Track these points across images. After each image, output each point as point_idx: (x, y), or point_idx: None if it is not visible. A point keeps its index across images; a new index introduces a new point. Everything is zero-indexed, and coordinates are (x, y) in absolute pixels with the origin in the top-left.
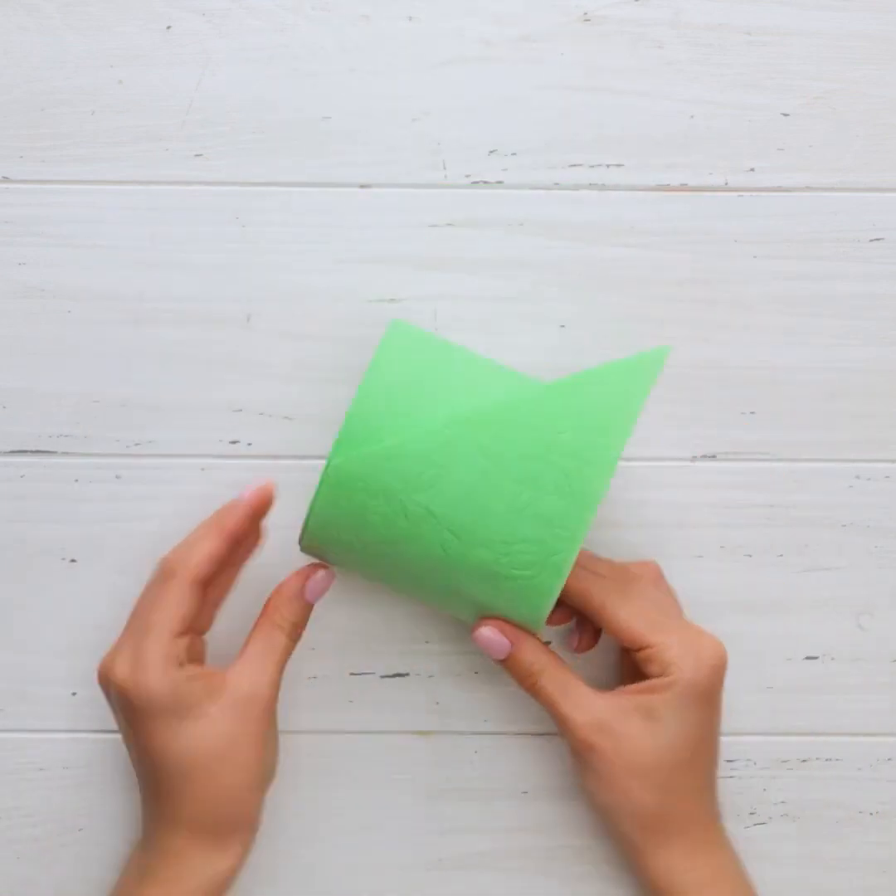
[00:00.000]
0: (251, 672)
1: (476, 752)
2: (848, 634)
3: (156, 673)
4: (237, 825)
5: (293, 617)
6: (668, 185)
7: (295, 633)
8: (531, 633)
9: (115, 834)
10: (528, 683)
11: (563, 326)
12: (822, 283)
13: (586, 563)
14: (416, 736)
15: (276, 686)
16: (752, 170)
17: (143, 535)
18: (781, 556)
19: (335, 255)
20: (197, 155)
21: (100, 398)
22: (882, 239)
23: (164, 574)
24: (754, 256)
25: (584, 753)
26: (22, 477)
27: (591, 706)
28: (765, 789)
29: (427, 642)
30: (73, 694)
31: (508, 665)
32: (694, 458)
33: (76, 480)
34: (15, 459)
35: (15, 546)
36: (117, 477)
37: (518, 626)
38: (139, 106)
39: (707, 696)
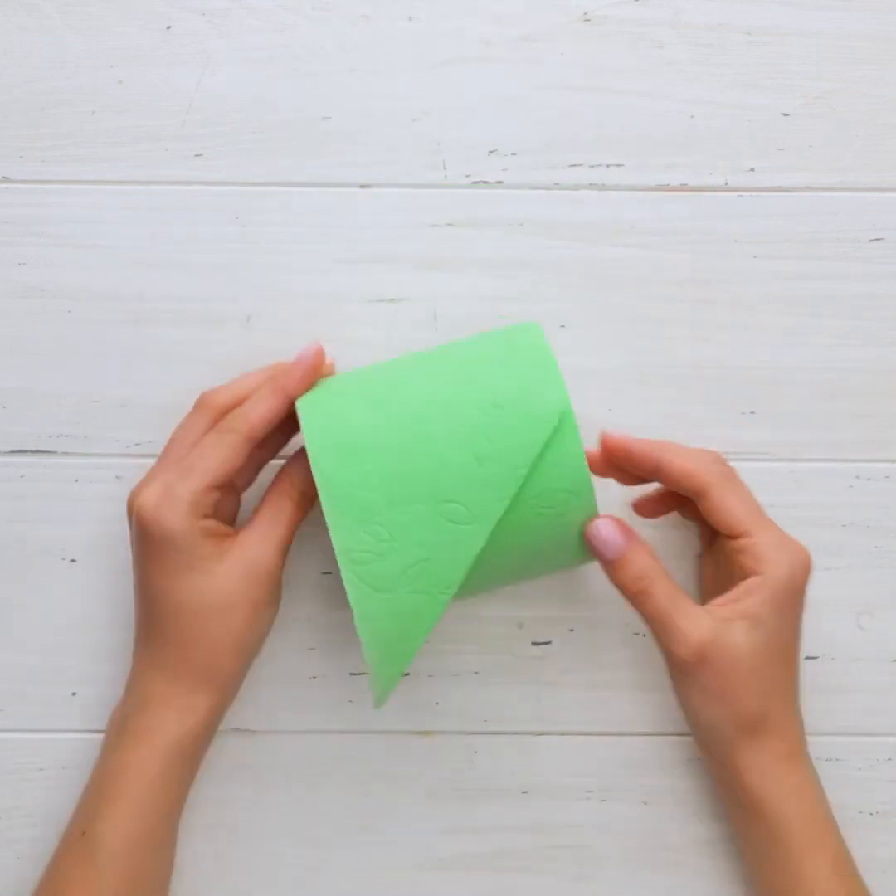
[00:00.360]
0: (257, 538)
1: (476, 752)
2: (848, 634)
3: (179, 515)
4: (213, 682)
5: (302, 485)
6: (668, 185)
7: (304, 501)
8: (639, 539)
9: None
10: (636, 588)
11: (563, 326)
12: (822, 283)
13: (681, 449)
14: (416, 736)
15: (280, 554)
16: (752, 170)
17: None
18: None
19: (335, 255)
20: (197, 155)
21: (100, 398)
22: (882, 239)
23: (221, 429)
24: (754, 256)
25: (693, 668)
26: (22, 477)
27: (702, 620)
28: None
29: (427, 642)
30: (73, 694)
31: (617, 568)
32: None
33: (76, 480)
34: (15, 459)
35: (15, 546)
36: (117, 477)
37: (630, 528)
38: (139, 106)
39: (799, 596)
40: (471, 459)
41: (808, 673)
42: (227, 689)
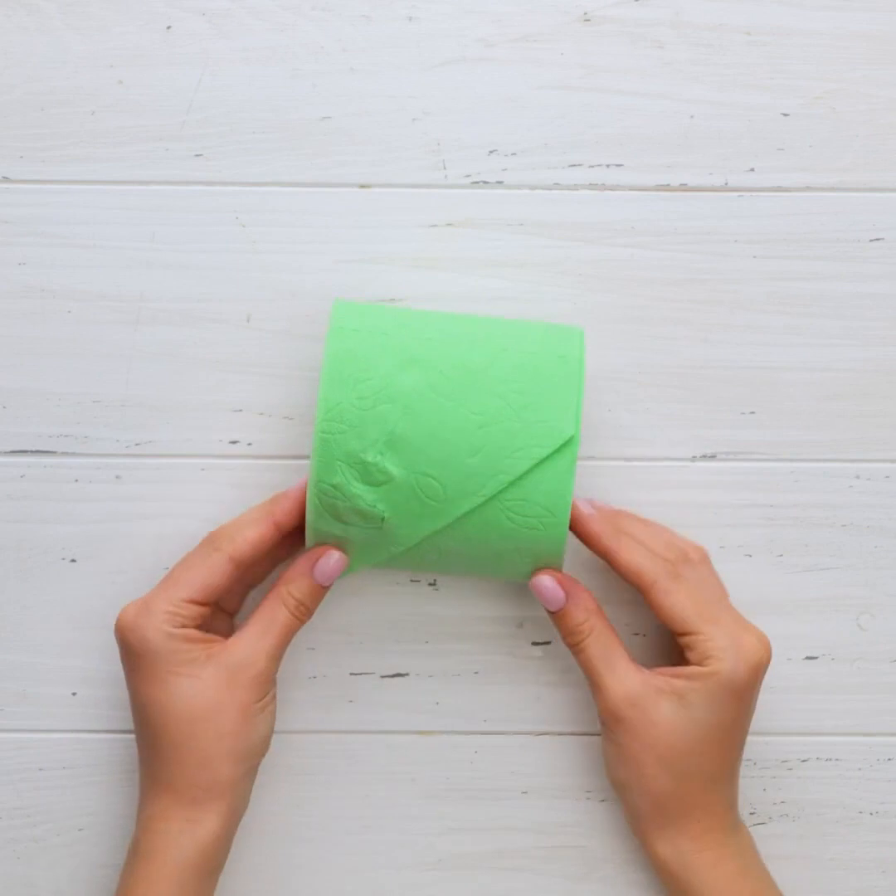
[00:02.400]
0: (247, 642)
1: (476, 752)
2: (848, 634)
3: (156, 623)
4: (213, 792)
5: (299, 594)
6: (668, 185)
7: (300, 611)
8: (588, 592)
9: (115, 834)
10: (572, 640)
11: None
12: (822, 283)
13: (645, 537)
14: (416, 736)
15: (272, 659)
16: (752, 170)
17: (143, 535)
18: (781, 556)
19: (335, 255)
20: (197, 155)
21: (100, 398)
22: (882, 239)
23: (207, 546)
24: (754, 256)
25: (611, 725)
26: (22, 477)
27: (628, 679)
28: (765, 789)
29: (427, 642)
30: (73, 694)
31: (559, 618)
32: (694, 458)
33: (76, 480)
34: (15, 459)
35: (15, 546)
36: (117, 477)
37: (576, 582)
38: (139, 106)
39: (740, 693)
40: (466, 446)
41: (808, 673)
42: (230, 796)
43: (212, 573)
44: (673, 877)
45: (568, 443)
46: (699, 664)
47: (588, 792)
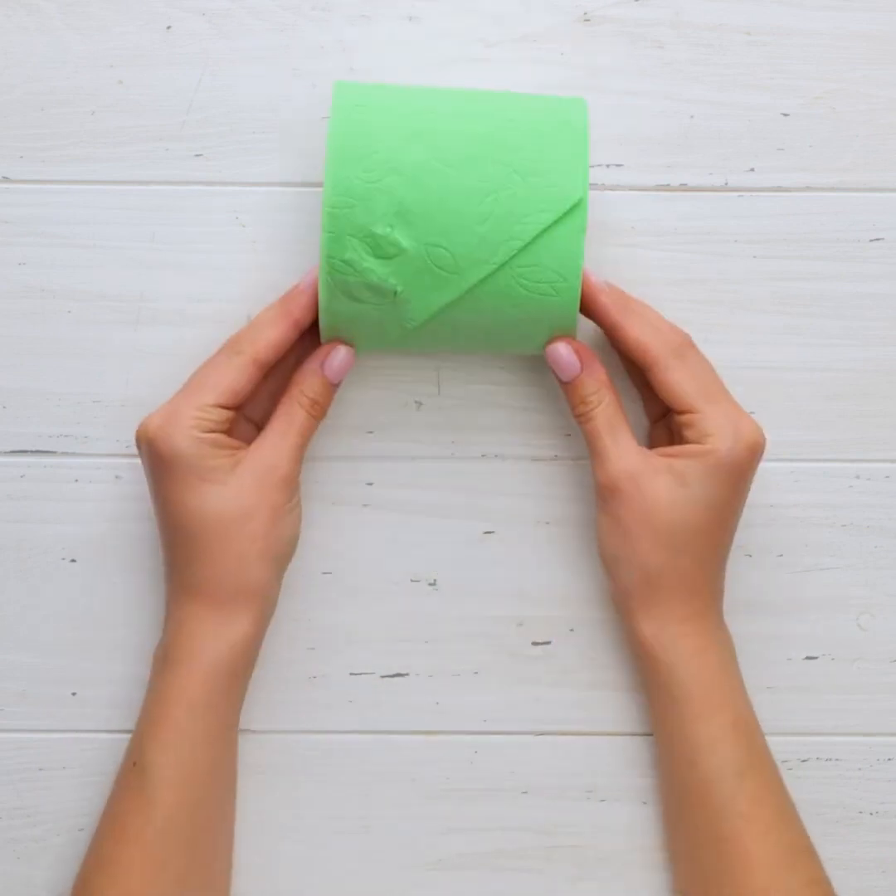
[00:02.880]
0: (270, 445)
1: (476, 752)
2: (848, 634)
3: (183, 429)
4: (246, 593)
5: (312, 392)
6: (668, 185)
7: (315, 409)
8: (602, 365)
9: None
10: (581, 410)
11: None
12: (823, 283)
13: (652, 318)
14: (416, 736)
15: (294, 460)
16: (752, 170)
17: (143, 535)
18: (781, 556)
19: None
20: (197, 155)
21: (100, 398)
22: (882, 239)
23: (228, 350)
24: (754, 256)
25: (608, 496)
26: (22, 477)
27: (629, 453)
28: None
29: (427, 642)
30: (73, 694)
31: (571, 388)
32: None
33: (76, 480)
34: (15, 459)
35: (15, 546)
36: (117, 477)
37: (591, 352)
38: (139, 106)
39: (738, 473)
40: (474, 214)
41: (808, 673)
42: (261, 599)
43: (237, 376)
44: (654, 658)
45: (577, 205)
46: (698, 442)
47: (588, 792)
